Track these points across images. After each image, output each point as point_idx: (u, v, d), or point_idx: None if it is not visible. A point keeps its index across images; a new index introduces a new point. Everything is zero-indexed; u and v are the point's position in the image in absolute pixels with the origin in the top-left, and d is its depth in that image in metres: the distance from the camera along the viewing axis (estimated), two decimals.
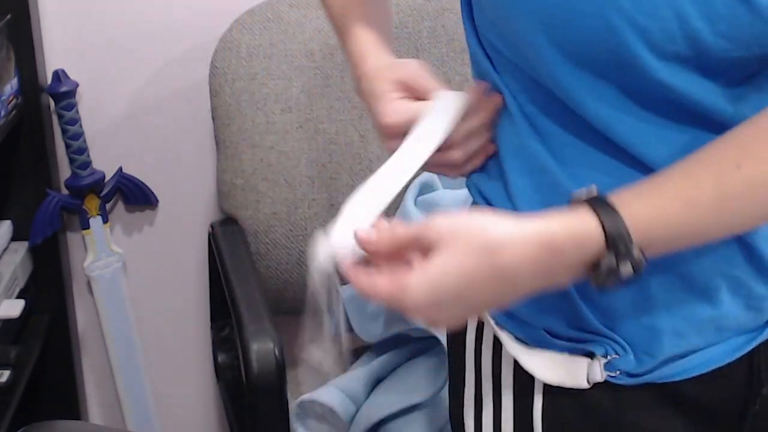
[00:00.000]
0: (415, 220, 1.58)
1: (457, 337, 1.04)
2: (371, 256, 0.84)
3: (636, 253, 0.81)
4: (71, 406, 1.89)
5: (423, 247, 0.82)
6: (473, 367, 1.02)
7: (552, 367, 0.95)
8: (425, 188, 1.66)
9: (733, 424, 0.99)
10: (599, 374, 0.94)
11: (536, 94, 0.92)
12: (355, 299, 1.57)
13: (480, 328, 1.01)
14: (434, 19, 1.69)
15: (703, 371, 0.95)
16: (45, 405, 1.86)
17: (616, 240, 0.80)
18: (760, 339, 0.97)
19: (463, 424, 1.03)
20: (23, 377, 1.69)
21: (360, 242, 0.84)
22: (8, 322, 1.67)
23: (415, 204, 1.62)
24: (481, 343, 1.01)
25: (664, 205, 0.82)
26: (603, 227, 0.81)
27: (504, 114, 0.97)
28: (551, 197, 0.90)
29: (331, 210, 1.66)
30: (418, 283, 0.81)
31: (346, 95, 1.66)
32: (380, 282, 0.82)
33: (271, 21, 1.65)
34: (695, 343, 0.94)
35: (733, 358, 0.96)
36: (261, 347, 1.29)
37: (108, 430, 1.85)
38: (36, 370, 1.77)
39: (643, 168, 0.89)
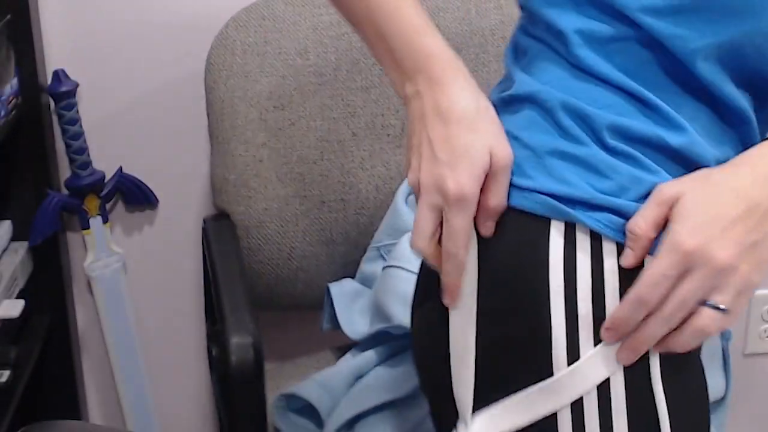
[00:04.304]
0: (405, 218, 1.58)
1: None
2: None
3: None
4: (71, 406, 1.89)
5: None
6: None
7: None
8: None
9: None
10: None
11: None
12: (344, 296, 1.56)
13: None
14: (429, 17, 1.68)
15: None
16: (45, 405, 1.86)
17: None
18: None
19: None
20: (23, 377, 1.69)
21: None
22: (8, 322, 1.67)
23: (406, 203, 1.61)
24: None
25: None
26: None
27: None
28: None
29: (321, 207, 1.66)
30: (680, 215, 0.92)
31: (339, 93, 1.66)
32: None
33: (266, 19, 1.65)
34: None
35: None
36: (239, 341, 1.29)
37: (108, 430, 1.85)
38: (36, 370, 1.78)
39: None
